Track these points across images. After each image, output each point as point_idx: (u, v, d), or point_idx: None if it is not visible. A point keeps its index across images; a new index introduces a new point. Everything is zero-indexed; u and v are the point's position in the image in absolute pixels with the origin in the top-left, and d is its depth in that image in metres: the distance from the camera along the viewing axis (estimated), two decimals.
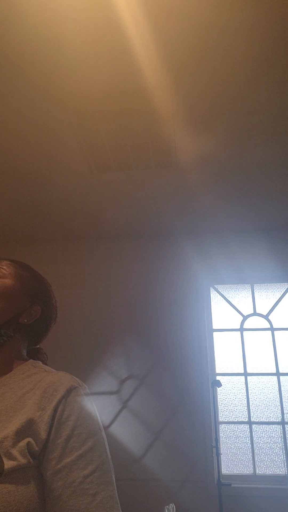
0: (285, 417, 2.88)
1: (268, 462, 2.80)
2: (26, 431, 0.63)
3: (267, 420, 2.90)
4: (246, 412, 2.94)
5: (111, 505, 0.62)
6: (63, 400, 0.67)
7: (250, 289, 3.30)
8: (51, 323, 0.91)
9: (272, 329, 3.15)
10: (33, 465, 0.62)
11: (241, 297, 3.29)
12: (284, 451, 2.80)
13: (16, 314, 0.80)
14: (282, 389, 2.96)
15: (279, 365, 3.03)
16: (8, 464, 0.58)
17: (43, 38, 1.67)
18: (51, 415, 0.65)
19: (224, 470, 2.80)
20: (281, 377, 3.00)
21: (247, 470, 2.79)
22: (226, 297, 3.30)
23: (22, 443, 0.61)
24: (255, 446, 2.84)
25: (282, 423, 2.87)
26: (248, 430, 2.89)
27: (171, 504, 1.92)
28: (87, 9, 1.55)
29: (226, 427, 2.91)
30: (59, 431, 0.64)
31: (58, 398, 0.67)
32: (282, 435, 2.84)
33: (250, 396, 2.98)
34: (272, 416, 2.91)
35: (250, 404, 2.96)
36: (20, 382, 0.72)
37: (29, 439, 0.62)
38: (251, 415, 2.92)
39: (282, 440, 2.83)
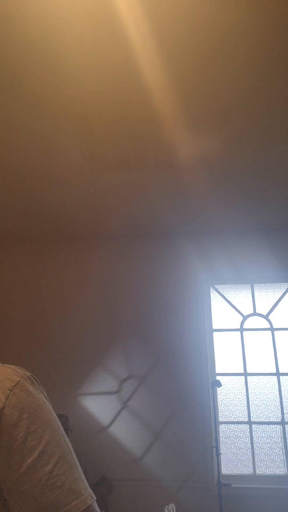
0: (285, 417, 2.88)
1: (268, 462, 2.80)
2: None
3: (267, 420, 2.90)
4: (246, 412, 2.94)
5: (78, 488, 0.64)
6: (7, 401, 0.64)
7: (250, 289, 3.30)
8: None
9: (272, 329, 3.15)
10: None
11: (241, 297, 3.29)
12: (284, 451, 2.80)
13: None
14: (282, 389, 2.96)
15: (279, 365, 3.03)
16: None
17: (44, 41, 1.68)
18: None
19: (224, 470, 2.80)
20: (281, 377, 3.00)
21: (247, 470, 2.79)
22: (226, 297, 3.30)
23: None
24: (255, 446, 2.84)
25: (282, 423, 2.87)
26: (248, 430, 2.89)
27: (171, 504, 1.92)
28: (88, 14, 1.55)
29: (226, 427, 2.91)
30: (12, 434, 0.62)
31: (1, 400, 0.64)
32: (282, 435, 2.84)
33: (250, 396, 2.98)
34: (272, 416, 2.91)
35: (250, 404, 2.96)
36: None
37: None
38: (251, 415, 2.92)
39: (282, 440, 2.83)
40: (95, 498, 0.66)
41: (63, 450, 0.66)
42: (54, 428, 0.67)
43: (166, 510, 1.85)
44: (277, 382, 2.99)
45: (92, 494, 0.65)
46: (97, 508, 0.65)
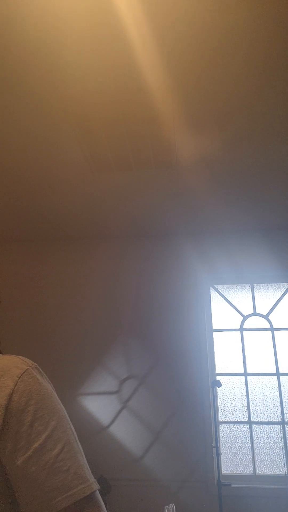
0: (285, 417, 2.88)
1: (268, 462, 2.80)
2: None
3: (267, 420, 2.90)
4: (246, 412, 2.94)
5: (84, 474, 0.65)
6: (15, 388, 0.66)
7: (250, 289, 3.30)
8: None
9: (272, 329, 3.15)
10: None
11: (241, 297, 3.29)
12: (284, 451, 2.80)
13: None
14: (282, 389, 2.96)
15: (279, 365, 3.03)
16: None
17: (44, 41, 1.68)
18: (5, 404, 0.64)
19: (224, 470, 2.80)
20: (281, 377, 3.00)
21: (247, 470, 2.79)
22: (226, 297, 3.30)
23: None
24: (255, 446, 2.84)
25: (282, 423, 2.87)
26: (248, 430, 2.89)
27: (171, 504, 1.92)
28: (88, 14, 1.55)
29: (226, 427, 2.91)
30: (20, 419, 0.64)
31: (11, 385, 0.66)
32: (282, 435, 2.84)
33: (250, 396, 2.98)
34: (272, 416, 2.91)
35: (250, 404, 2.96)
36: None
37: None
38: (251, 415, 2.92)
39: (282, 440, 2.83)
40: (99, 487, 0.66)
41: (69, 437, 0.67)
42: (61, 415, 0.68)
43: (166, 510, 1.85)
44: (277, 382, 2.99)
45: (96, 482, 0.67)
46: (99, 497, 0.66)
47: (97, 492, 0.66)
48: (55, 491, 0.61)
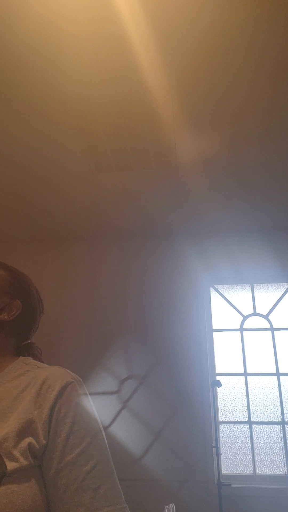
0: (285, 417, 2.88)
1: (268, 462, 2.80)
2: (26, 431, 0.62)
3: (267, 420, 2.90)
4: (246, 412, 2.94)
5: (113, 496, 0.65)
6: (59, 398, 0.67)
7: (250, 289, 3.30)
8: (36, 315, 0.90)
9: (272, 329, 3.15)
10: (34, 465, 0.62)
11: (241, 297, 3.29)
12: (284, 451, 2.80)
13: None
14: (282, 389, 2.96)
15: (279, 365, 3.03)
16: (10, 465, 0.58)
17: (44, 40, 1.68)
18: (49, 413, 0.65)
19: (224, 470, 2.80)
20: (281, 377, 3.00)
21: (247, 470, 2.79)
22: (226, 297, 3.30)
23: (23, 444, 0.61)
24: (255, 446, 2.84)
25: (282, 423, 2.87)
26: (248, 430, 2.89)
27: (171, 504, 1.92)
28: (87, 11, 1.55)
29: (226, 427, 2.91)
30: (57, 429, 0.65)
31: (54, 395, 0.67)
32: (282, 435, 2.84)
33: (250, 396, 2.98)
34: (272, 416, 2.91)
35: (250, 404, 2.96)
36: (14, 381, 0.71)
37: (30, 439, 0.62)
38: (251, 415, 2.92)
39: (282, 440, 2.83)
40: None
41: (103, 456, 0.68)
42: (97, 433, 0.69)
43: (166, 510, 1.85)
44: (277, 382, 2.99)
45: (127, 508, 0.66)
46: None
47: None
48: (82, 508, 0.61)
